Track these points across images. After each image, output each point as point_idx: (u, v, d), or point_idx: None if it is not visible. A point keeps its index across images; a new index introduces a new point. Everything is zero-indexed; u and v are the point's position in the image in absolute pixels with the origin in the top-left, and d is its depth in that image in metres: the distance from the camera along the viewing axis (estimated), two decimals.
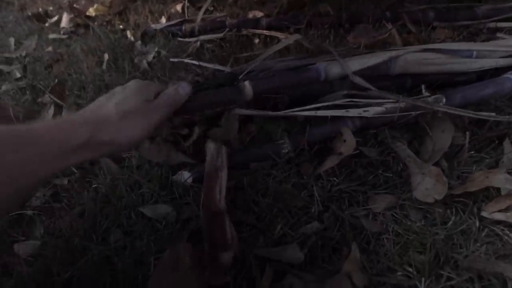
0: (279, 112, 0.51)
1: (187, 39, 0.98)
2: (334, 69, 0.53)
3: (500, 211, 0.42)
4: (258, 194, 0.50)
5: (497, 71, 0.59)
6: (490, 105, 0.58)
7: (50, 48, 1.09)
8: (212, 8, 1.21)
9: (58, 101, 0.79)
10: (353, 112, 0.49)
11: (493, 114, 0.49)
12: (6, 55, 1.12)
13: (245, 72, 0.50)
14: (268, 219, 0.47)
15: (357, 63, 0.53)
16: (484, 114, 0.48)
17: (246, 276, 0.42)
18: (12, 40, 1.22)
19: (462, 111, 0.48)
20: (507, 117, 0.49)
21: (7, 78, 0.97)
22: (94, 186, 0.58)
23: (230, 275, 0.40)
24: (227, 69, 0.60)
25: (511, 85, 0.51)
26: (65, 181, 0.59)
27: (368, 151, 0.53)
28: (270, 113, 0.51)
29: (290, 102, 0.64)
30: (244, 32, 0.97)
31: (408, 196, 0.48)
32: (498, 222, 0.43)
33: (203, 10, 1.09)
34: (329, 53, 0.57)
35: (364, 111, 0.50)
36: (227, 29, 0.98)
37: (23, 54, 1.10)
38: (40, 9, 1.45)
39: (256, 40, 0.94)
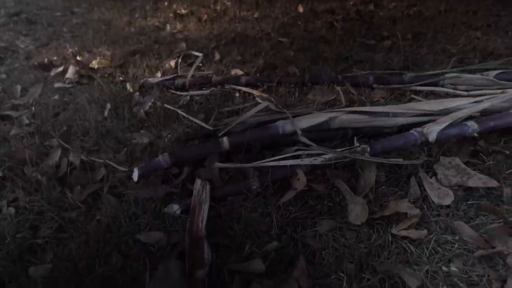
0: (249, 164, 0.68)
1: (179, 92, 1.18)
2: (288, 127, 0.73)
3: (405, 229, 0.59)
4: (233, 221, 0.65)
5: (415, 124, 0.81)
6: (407, 149, 0.79)
7: (56, 97, 1.25)
8: (201, 65, 1.45)
9: (65, 144, 0.92)
10: (305, 161, 0.67)
11: (401, 159, 0.69)
12: (14, 101, 1.26)
13: (224, 132, 0.68)
14: (240, 241, 0.61)
15: (305, 122, 0.73)
16: (393, 160, 0.68)
17: (220, 285, 0.54)
18: (18, 88, 1.36)
19: (377, 159, 0.68)
20: (409, 161, 0.69)
21: (16, 123, 1.10)
22: (97, 218, 0.69)
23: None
24: (209, 127, 0.78)
25: (414, 138, 0.73)
26: (73, 214, 0.70)
27: (316, 186, 0.70)
28: (244, 165, 0.68)
29: (261, 147, 0.83)
30: (227, 87, 1.18)
31: (345, 220, 0.64)
32: (404, 238, 0.59)
33: (193, 68, 1.32)
34: (293, 106, 0.77)
35: (314, 159, 0.68)
36: (213, 85, 1.19)
37: (30, 101, 1.24)
38: (46, 60, 1.63)
39: (237, 94, 1.15)
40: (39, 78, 1.45)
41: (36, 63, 1.60)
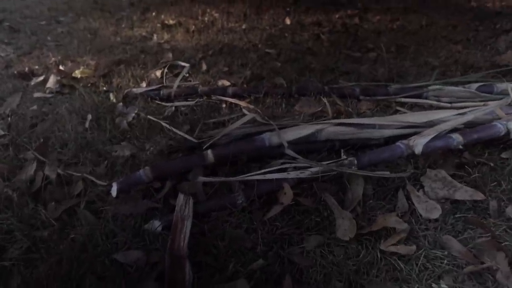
0: (234, 178, 0.65)
1: (164, 103, 1.15)
2: (274, 139, 0.71)
3: (393, 245, 0.58)
4: (217, 238, 0.62)
5: (401, 136, 0.81)
6: (394, 162, 0.79)
7: (35, 107, 1.19)
8: (187, 75, 1.43)
9: (41, 157, 0.87)
10: (292, 174, 0.65)
11: (388, 172, 0.68)
12: None
13: (208, 144, 0.65)
14: (223, 259, 0.58)
15: (292, 134, 0.72)
16: (380, 173, 0.67)
17: None
18: None
19: (364, 172, 0.67)
20: (396, 174, 0.68)
21: None
22: (72, 236, 0.65)
23: None
24: (193, 139, 0.75)
25: (400, 150, 0.72)
26: (45, 233, 0.65)
27: (304, 200, 0.68)
28: (229, 178, 0.65)
29: (247, 159, 0.81)
30: (214, 98, 1.17)
31: (333, 236, 0.62)
32: (393, 254, 0.58)
33: (179, 78, 1.30)
34: (280, 118, 0.76)
35: (301, 172, 0.67)
36: (199, 96, 1.17)
37: (7, 111, 1.18)
38: (27, 69, 1.57)
39: (223, 105, 1.13)
40: (18, 88, 1.39)
41: (16, 72, 1.54)
